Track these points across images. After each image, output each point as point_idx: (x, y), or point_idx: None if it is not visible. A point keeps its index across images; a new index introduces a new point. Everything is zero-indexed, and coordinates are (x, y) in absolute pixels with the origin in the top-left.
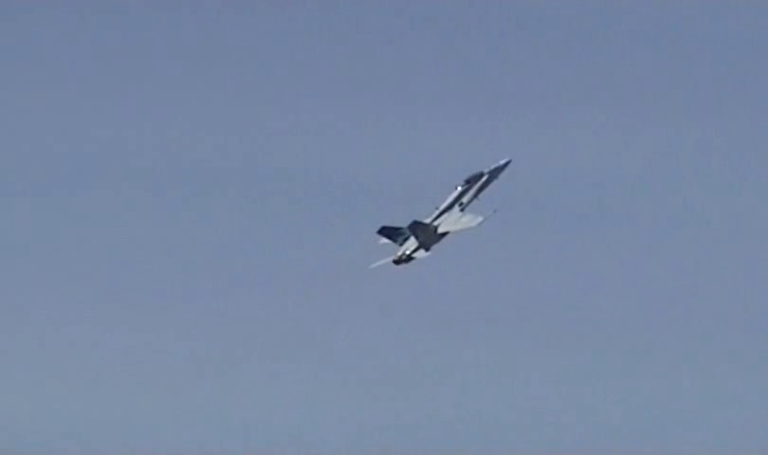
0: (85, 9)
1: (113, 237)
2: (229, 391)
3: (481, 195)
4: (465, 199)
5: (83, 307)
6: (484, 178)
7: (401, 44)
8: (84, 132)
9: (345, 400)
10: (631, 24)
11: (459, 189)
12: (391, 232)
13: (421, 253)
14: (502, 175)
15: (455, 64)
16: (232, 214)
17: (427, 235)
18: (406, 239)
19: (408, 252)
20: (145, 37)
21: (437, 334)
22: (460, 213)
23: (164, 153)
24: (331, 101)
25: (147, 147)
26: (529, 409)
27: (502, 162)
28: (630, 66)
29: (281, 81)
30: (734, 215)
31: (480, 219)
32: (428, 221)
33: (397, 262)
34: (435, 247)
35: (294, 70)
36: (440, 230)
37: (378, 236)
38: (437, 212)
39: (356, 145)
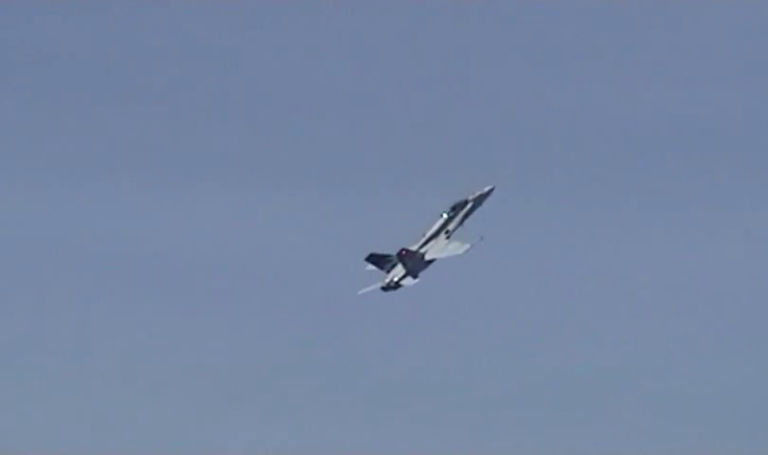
0: None
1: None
2: (220, 420)
3: (466, 222)
4: (450, 226)
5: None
6: (468, 205)
7: (390, 63)
8: None
9: (336, 424)
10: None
11: (444, 216)
12: (378, 259)
13: (409, 280)
14: (487, 202)
15: (436, 90)
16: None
17: (414, 262)
18: (393, 266)
19: (396, 279)
20: None
21: (427, 357)
22: (446, 240)
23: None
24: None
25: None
26: (514, 436)
27: (486, 189)
28: (618, 91)
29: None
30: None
31: (467, 246)
32: (415, 248)
33: (385, 288)
34: (423, 274)
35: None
36: (427, 257)
37: (365, 263)
38: (423, 239)
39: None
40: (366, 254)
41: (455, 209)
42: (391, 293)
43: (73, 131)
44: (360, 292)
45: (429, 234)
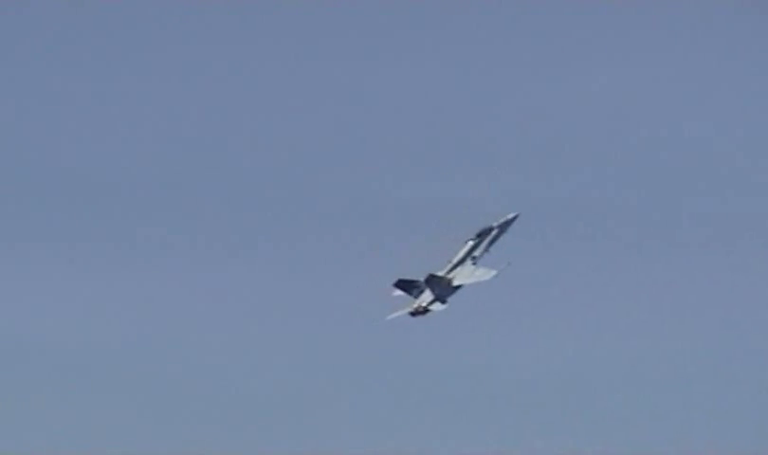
0: None
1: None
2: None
3: (491, 248)
4: (476, 253)
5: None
6: (494, 232)
7: (408, 94)
8: None
9: (370, 447)
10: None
11: (470, 243)
12: (407, 285)
13: (437, 305)
14: (511, 229)
15: (463, 119)
16: (252, 256)
17: (442, 288)
18: (421, 291)
19: (424, 304)
20: None
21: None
22: (473, 267)
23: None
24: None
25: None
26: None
27: (510, 216)
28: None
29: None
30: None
31: (494, 272)
32: (442, 274)
33: (414, 313)
34: (451, 299)
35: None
36: (455, 283)
37: (393, 288)
38: (450, 265)
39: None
40: (394, 280)
41: (481, 235)
42: (419, 318)
43: None
44: (389, 317)
45: (455, 260)
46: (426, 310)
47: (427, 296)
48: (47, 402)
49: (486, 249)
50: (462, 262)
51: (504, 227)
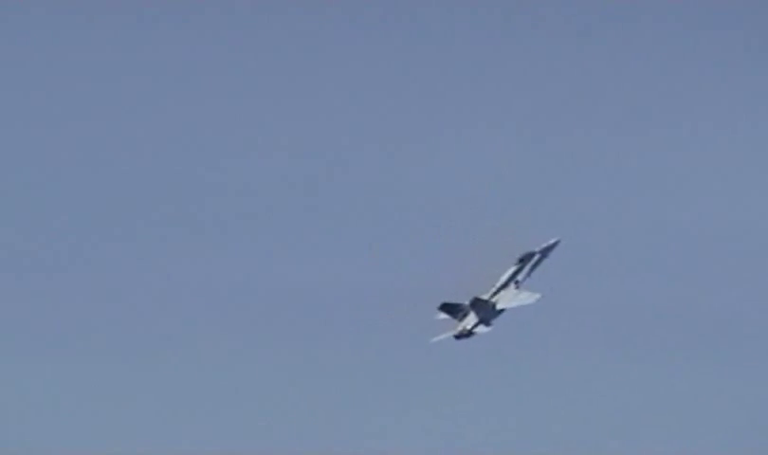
0: None
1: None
2: None
3: (533, 273)
4: (519, 277)
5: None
6: (535, 257)
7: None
8: None
9: None
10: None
11: (513, 267)
12: (451, 308)
13: (482, 328)
14: (552, 254)
15: (502, 145)
16: (283, 282)
17: (486, 311)
18: (465, 315)
19: (469, 327)
20: None
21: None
22: (516, 290)
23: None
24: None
25: None
26: None
27: (552, 242)
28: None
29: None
30: None
31: (537, 296)
32: (486, 297)
33: (458, 336)
34: (495, 322)
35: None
36: (498, 307)
37: (438, 312)
38: (494, 290)
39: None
40: (438, 303)
41: (523, 260)
42: (464, 340)
43: None
44: (433, 340)
45: (498, 284)
46: (470, 333)
47: (471, 319)
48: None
49: (529, 274)
50: (505, 286)
51: (546, 252)
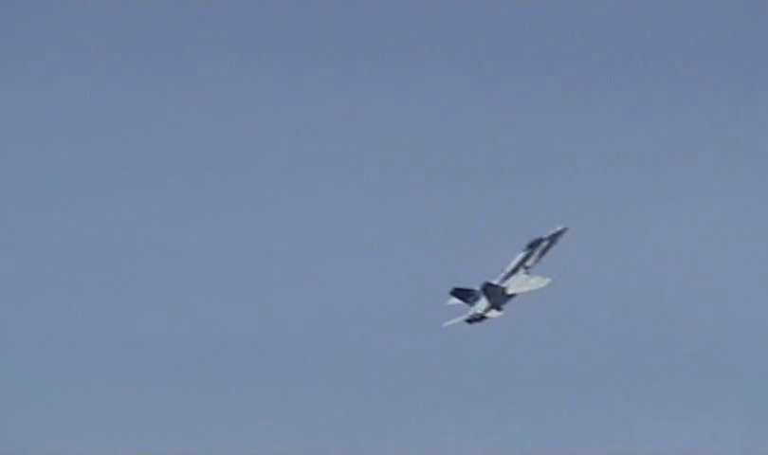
0: None
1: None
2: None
3: (542, 259)
4: (529, 262)
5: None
6: (544, 243)
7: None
8: None
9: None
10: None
11: (522, 253)
12: (463, 293)
13: (493, 312)
14: (560, 240)
15: (509, 133)
16: (299, 273)
17: (497, 296)
18: (476, 299)
19: (480, 311)
20: None
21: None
22: (526, 276)
23: None
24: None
25: None
26: None
27: (559, 228)
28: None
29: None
30: None
31: (548, 280)
32: (497, 282)
33: (470, 320)
34: (506, 306)
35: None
36: (509, 292)
37: (449, 297)
38: (503, 275)
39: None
40: (450, 289)
41: (532, 246)
42: (476, 324)
43: None
44: (446, 324)
45: (508, 270)
46: (482, 317)
47: (482, 303)
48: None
49: (538, 259)
50: (514, 271)
51: (555, 238)
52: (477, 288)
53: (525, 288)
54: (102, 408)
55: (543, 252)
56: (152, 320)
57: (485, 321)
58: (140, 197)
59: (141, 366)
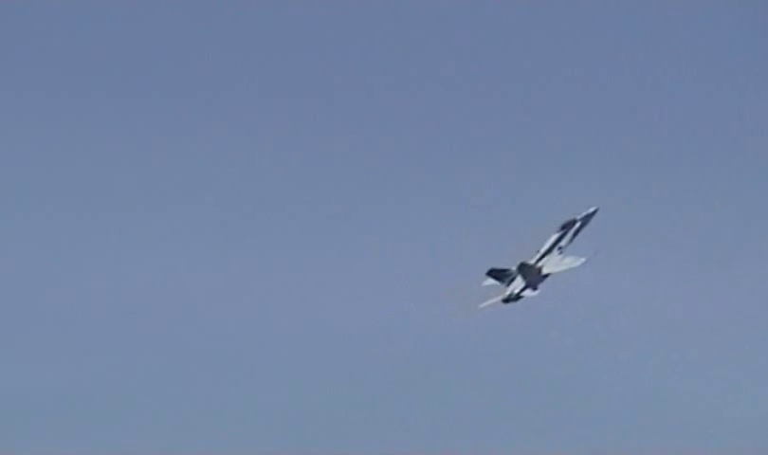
0: None
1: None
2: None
3: (575, 239)
4: (562, 243)
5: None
6: (577, 224)
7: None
8: None
9: (464, 434)
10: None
11: (555, 235)
12: (499, 274)
13: (529, 292)
14: (592, 221)
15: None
16: (336, 255)
17: (533, 275)
18: (512, 279)
19: (516, 291)
20: None
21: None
22: (560, 256)
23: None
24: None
25: None
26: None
27: (591, 210)
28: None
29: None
30: None
31: (582, 260)
32: (532, 262)
33: (506, 300)
34: (541, 286)
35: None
36: (544, 271)
37: (485, 277)
38: (538, 256)
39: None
40: (486, 270)
41: (565, 227)
42: (511, 304)
43: None
44: (482, 305)
45: (542, 251)
46: (518, 297)
47: (518, 283)
48: None
49: (571, 240)
50: (548, 252)
51: (587, 219)
52: (513, 268)
53: (560, 268)
54: (103, 408)
55: (576, 233)
56: (152, 321)
57: (521, 300)
58: None
59: (141, 366)
